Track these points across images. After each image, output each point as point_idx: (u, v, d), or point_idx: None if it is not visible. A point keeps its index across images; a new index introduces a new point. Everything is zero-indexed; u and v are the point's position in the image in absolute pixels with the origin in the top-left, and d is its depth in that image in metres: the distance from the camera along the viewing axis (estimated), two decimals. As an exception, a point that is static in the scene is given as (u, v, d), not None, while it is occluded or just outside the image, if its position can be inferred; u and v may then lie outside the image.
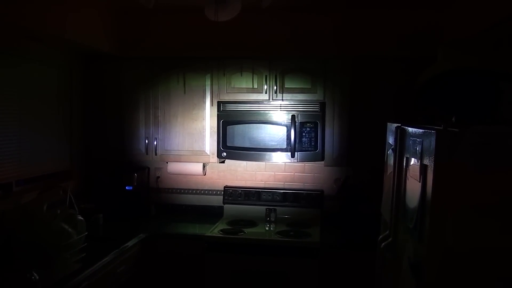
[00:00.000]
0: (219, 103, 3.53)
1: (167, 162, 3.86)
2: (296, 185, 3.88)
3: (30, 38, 3.00)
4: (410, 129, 2.12)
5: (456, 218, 1.70)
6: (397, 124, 2.31)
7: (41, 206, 2.85)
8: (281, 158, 3.47)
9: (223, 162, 3.93)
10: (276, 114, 3.44)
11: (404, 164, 2.19)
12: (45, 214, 2.80)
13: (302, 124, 3.41)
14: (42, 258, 2.51)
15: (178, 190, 4.05)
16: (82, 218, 2.87)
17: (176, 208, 4.03)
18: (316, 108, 3.41)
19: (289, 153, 3.41)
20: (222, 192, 3.94)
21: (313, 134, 3.41)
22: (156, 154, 3.68)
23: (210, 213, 3.95)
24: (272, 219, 3.74)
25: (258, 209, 3.83)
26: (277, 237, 3.33)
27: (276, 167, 3.90)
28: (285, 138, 3.43)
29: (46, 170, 3.38)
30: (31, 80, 3.14)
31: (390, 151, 2.52)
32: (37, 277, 2.27)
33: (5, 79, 2.89)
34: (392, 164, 2.33)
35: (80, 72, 3.73)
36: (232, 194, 3.89)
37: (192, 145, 3.62)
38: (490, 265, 1.70)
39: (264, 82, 3.49)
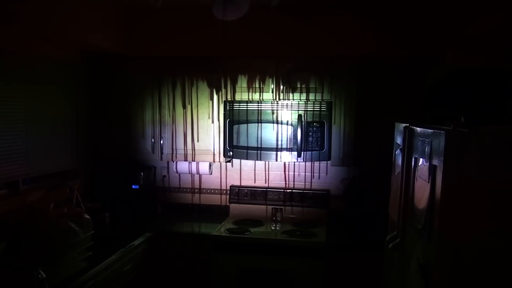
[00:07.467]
0: (225, 102, 3.53)
1: (173, 161, 3.86)
2: (303, 184, 3.87)
3: (38, 38, 3.01)
4: (418, 129, 2.10)
5: (465, 219, 1.69)
6: (405, 124, 2.30)
7: (48, 205, 2.87)
8: (288, 158, 3.46)
9: (230, 161, 3.92)
10: (282, 113, 3.43)
11: (413, 164, 2.17)
12: (52, 212, 2.82)
13: (308, 123, 3.40)
14: (49, 257, 2.52)
15: (184, 189, 4.05)
16: (88, 217, 2.89)
17: (182, 207, 4.03)
18: (322, 107, 3.39)
19: (296, 153, 3.40)
20: (228, 192, 3.94)
21: (319, 134, 3.40)
22: (162, 153, 3.68)
23: (216, 213, 3.95)
24: (278, 219, 3.73)
25: (264, 209, 3.83)
26: (283, 237, 3.33)
27: (283, 166, 3.89)
28: (292, 138, 3.42)
29: (53, 169, 3.40)
30: (38, 80, 3.15)
31: (398, 151, 2.51)
32: (44, 275, 2.27)
33: (12, 78, 2.90)
34: (400, 164, 2.31)
35: (87, 72, 3.74)
36: (238, 193, 3.88)
37: (199, 145, 3.62)
38: (499, 266, 1.69)
39: (270, 81, 3.48)
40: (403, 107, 3.25)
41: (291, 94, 3.46)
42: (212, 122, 3.59)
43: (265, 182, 3.93)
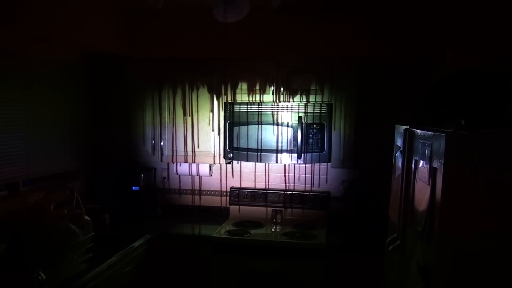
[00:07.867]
0: (225, 104, 3.53)
1: (173, 163, 3.86)
2: (303, 186, 3.86)
3: (39, 39, 3.01)
4: (419, 131, 2.10)
5: (466, 221, 1.69)
6: (406, 126, 2.30)
7: (48, 206, 2.86)
8: (288, 159, 3.46)
9: (230, 163, 3.92)
10: (283, 115, 3.43)
11: (413, 166, 2.17)
12: (52, 214, 2.82)
13: (309, 125, 3.40)
14: (49, 258, 2.51)
15: (185, 191, 4.05)
16: (88, 218, 2.88)
17: (182, 209, 4.03)
18: (323, 109, 3.39)
19: (296, 155, 3.40)
20: (228, 193, 3.94)
21: (320, 136, 3.40)
22: (162, 155, 3.68)
23: (216, 214, 3.95)
24: (278, 221, 3.73)
25: (264, 211, 3.82)
26: (284, 239, 3.32)
27: (283, 168, 3.89)
28: (292, 140, 3.42)
29: (53, 170, 3.40)
30: (39, 81, 3.15)
31: (398, 153, 2.51)
32: (44, 277, 2.27)
33: (13, 80, 2.90)
34: (400, 166, 2.32)
35: (88, 73, 3.74)
36: (238, 195, 3.88)
37: (199, 146, 3.62)
38: (500, 268, 1.69)
39: (271, 83, 3.48)
40: (403, 109, 3.25)
41: (291, 96, 3.47)
42: (212, 124, 3.59)
43: (265, 184, 3.92)
